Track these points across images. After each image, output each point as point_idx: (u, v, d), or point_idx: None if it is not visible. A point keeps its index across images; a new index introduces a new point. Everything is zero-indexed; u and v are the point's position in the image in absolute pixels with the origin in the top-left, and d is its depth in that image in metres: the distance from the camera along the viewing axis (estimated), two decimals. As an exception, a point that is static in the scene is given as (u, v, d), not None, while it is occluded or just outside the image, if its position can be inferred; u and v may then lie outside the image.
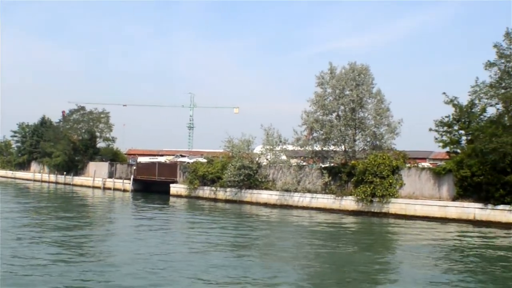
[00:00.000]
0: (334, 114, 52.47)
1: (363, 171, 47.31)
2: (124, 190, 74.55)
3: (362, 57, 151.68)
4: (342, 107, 51.77)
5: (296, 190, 53.61)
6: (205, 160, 67.30)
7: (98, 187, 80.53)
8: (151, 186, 74.09)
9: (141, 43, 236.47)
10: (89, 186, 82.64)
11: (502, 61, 42.10)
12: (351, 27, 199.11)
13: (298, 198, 53.29)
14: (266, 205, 55.15)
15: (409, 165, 49.06)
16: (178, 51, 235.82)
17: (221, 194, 60.68)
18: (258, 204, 55.95)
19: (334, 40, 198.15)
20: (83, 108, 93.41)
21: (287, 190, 54.26)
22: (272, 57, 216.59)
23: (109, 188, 78.08)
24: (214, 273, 22.00)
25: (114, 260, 24.27)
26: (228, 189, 59.67)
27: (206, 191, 62.67)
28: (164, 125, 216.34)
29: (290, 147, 58.58)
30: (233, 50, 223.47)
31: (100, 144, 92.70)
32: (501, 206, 40.41)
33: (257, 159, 59.88)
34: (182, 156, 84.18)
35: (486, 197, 41.27)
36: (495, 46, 42.03)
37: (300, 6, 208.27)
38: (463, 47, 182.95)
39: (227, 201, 59.22)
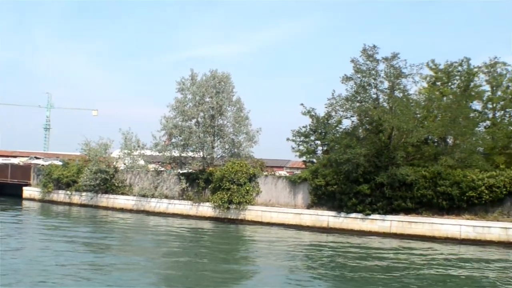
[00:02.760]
0: (194, 121, 50.16)
1: (220, 178, 45.47)
2: (-26, 193, 68.26)
3: (226, 65, 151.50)
4: (201, 114, 49.58)
5: (153, 196, 50.83)
6: (60, 163, 63.04)
7: None
8: (3, 188, 68.04)
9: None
10: None
11: (358, 75, 41.62)
12: (216, 35, 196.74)
13: (155, 204, 50.63)
14: (122, 210, 52.32)
15: (266, 173, 47.91)
16: (38, 49, 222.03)
17: (76, 198, 56.91)
18: (114, 209, 52.93)
19: (199, 47, 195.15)
20: None
21: (144, 196, 51.37)
22: (135, 60, 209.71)
23: (-43, 191, 71.21)
24: (60, 281, 20.32)
25: None
26: (83, 194, 55.99)
27: (60, 195, 58.69)
28: (19, 126, 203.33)
29: (148, 152, 55.79)
30: (94, 52, 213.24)
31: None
32: (353, 215, 40.05)
33: (114, 163, 56.54)
34: (36, 158, 78.64)
35: (340, 206, 40.78)
36: (352, 61, 41.61)
37: (164, 10, 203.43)
38: (323, 60, 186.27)
39: (82, 205, 55.70)
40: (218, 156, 51.20)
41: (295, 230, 40.85)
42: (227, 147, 50.78)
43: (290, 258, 28.78)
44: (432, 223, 37.64)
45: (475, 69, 48.07)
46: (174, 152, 51.54)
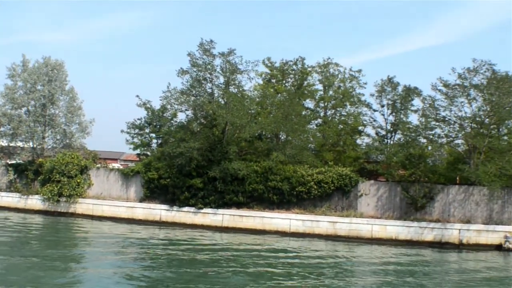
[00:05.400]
0: (24, 109, 46.84)
1: (50, 169, 42.77)
2: None
3: (61, 53, 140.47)
4: (32, 102, 46.45)
5: (-23, 188, 46.86)
6: None
7: None
8: None
9: None
10: None
11: (195, 69, 40.65)
12: (53, 21, 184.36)
13: (-21, 196, 46.69)
14: None
15: (99, 165, 45.70)
16: None
17: None
18: None
19: (34, 32, 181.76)
20: None
21: (-33, 187, 47.21)
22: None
23: None
24: None
25: None
26: None
27: None
28: None
29: (-26, 141, 51.53)
30: None
31: None
32: (186, 208, 39.30)
33: None
34: None
35: (172, 199, 39.86)
36: (189, 54, 40.51)
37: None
38: (162, 52, 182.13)
39: None
40: (49, 147, 47.99)
41: (127, 224, 39.17)
42: (58, 137, 47.87)
43: (111, 252, 27.47)
44: (263, 217, 37.66)
45: (309, 69, 48.78)
46: (2, 141, 47.96)
